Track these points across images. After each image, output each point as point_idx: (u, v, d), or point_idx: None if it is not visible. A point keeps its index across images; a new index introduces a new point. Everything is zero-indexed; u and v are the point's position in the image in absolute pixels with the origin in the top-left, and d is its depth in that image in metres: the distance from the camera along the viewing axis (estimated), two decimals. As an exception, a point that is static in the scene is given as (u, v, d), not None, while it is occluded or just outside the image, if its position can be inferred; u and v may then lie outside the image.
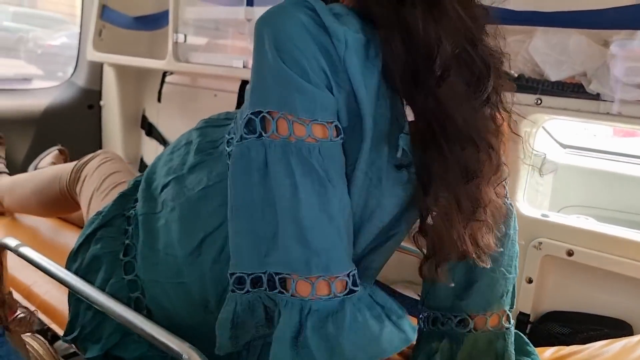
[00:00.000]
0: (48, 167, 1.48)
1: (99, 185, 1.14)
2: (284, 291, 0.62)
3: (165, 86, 1.95)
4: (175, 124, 2.03)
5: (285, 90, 0.62)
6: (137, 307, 0.79)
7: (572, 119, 1.13)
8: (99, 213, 0.92)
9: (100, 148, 2.21)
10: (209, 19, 1.73)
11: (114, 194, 0.98)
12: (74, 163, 1.25)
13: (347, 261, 0.65)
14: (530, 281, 1.16)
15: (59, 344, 1.03)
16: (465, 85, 0.68)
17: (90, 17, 1.94)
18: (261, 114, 0.63)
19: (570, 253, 1.11)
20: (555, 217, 1.17)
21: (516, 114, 0.82)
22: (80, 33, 2.09)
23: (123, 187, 0.98)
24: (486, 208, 0.74)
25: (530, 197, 1.22)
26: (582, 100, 1.06)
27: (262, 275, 0.63)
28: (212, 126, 0.85)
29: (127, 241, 0.84)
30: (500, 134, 0.76)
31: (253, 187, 0.63)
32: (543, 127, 1.29)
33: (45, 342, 0.92)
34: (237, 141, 0.65)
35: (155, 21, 1.86)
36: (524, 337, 0.87)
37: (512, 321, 0.85)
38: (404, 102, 0.68)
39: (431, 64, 0.64)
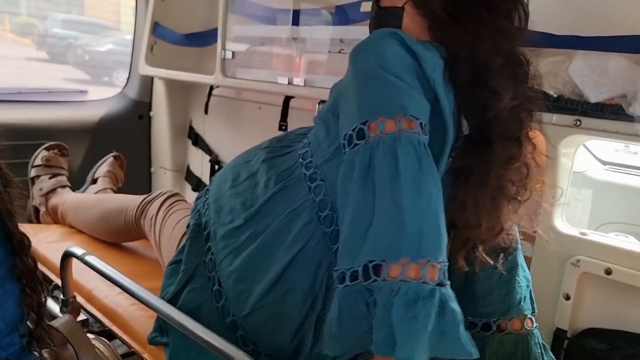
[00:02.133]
0: (113, 196, 1.56)
1: (164, 225, 1.21)
2: (377, 279, 0.63)
3: (211, 99, 2.03)
4: (220, 134, 2.11)
5: (393, 95, 0.71)
6: (244, 344, 0.84)
7: (611, 140, 1.14)
8: (177, 262, 0.96)
9: (150, 156, 2.32)
10: (257, 36, 1.80)
11: (180, 230, 1.06)
12: (139, 199, 1.34)
13: (442, 250, 0.65)
14: (567, 298, 1.18)
15: (117, 344, 1.11)
16: (513, 93, 0.79)
17: (142, 34, 2.04)
18: (368, 122, 0.70)
19: (608, 271, 1.12)
20: (594, 236, 1.18)
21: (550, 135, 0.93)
22: (133, 48, 2.20)
23: (185, 222, 1.05)
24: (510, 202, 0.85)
25: (568, 214, 1.24)
26: (621, 122, 1.07)
27: (359, 268, 0.64)
28: (277, 156, 0.91)
29: (214, 288, 0.88)
30: (535, 150, 0.86)
31: (357, 188, 0.68)
32: (583, 145, 1.30)
33: (110, 344, 1.00)
34: (349, 149, 0.71)
35: (203, 38, 1.95)
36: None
37: (536, 324, 0.95)
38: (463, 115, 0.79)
39: (485, 78, 0.77)
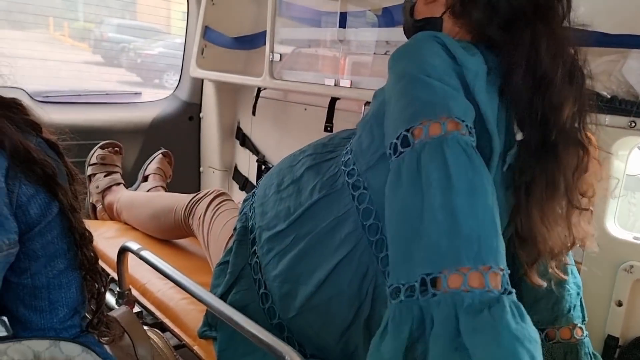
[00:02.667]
0: (163, 195, 1.62)
1: (211, 225, 1.24)
2: (437, 292, 0.57)
3: (259, 100, 2.07)
4: (267, 135, 2.15)
5: (437, 98, 0.68)
6: (290, 345, 0.81)
7: (668, 142, 1.10)
8: (225, 264, 0.98)
9: (199, 156, 2.39)
10: (303, 39, 1.82)
11: (227, 231, 1.07)
12: (188, 198, 1.38)
13: (501, 254, 0.60)
14: (620, 304, 1.15)
15: (169, 336, 1.15)
16: (573, 101, 0.78)
17: (193, 37, 2.10)
18: (412, 128, 0.67)
19: (663, 278, 1.09)
20: (648, 241, 1.14)
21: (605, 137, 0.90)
22: (184, 51, 2.27)
23: (232, 223, 1.07)
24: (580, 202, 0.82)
25: (621, 218, 1.20)
26: (679, 124, 1.04)
27: (415, 283, 0.59)
28: (322, 162, 0.90)
29: (261, 290, 0.89)
30: (588, 152, 0.82)
31: (405, 195, 0.65)
32: (637, 147, 1.26)
33: (163, 335, 1.04)
34: (395, 157, 0.69)
35: (252, 41, 1.99)
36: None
37: (586, 332, 0.91)
38: (515, 123, 0.77)
39: (546, 90, 0.74)
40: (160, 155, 1.95)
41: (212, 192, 1.37)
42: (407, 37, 0.89)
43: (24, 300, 0.71)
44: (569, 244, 0.83)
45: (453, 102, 0.68)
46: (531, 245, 0.79)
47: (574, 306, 0.95)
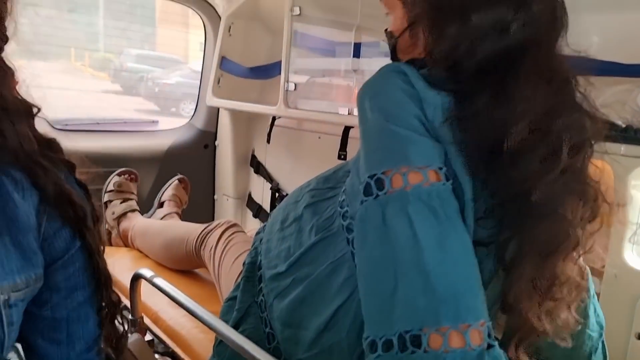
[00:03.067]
0: (176, 224, 1.64)
1: (222, 258, 1.24)
2: (416, 350, 0.57)
3: (273, 128, 2.09)
4: (281, 163, 2.16)
5: (396, 146, 0.65)
6: None
7: (685, 172, 1.09)
8: (232, 300, 0.97)
9: (214, 184, 2.41)
10: (318, 69, 1.85)
11: (237, 267, 1.07)
12: (200, 229, 1.39)
13: (480, 309, 0.60)
14: (639, 337, 1.12)
15: (179, 365, 1.14)
16: (539, 162, 0.66)
17: (210, 68, 2.14)
18: (375, 176, 0.65)
19: (685, 311, 1.06)
20: (669, 272, 1.12)
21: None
22: (201, 81, 2.31)
23: (243, 258, 1.04)
24: (563, 285, 0.72)
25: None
26: (696, 153, 1.03)
27: (393, 337, 0.59)
28: (321, 200, 0.88)
29: (267, 330, 0.88)
30: (597, 189, 0.74)
31: (373, 247, 0.64)
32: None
33: (173, 364, 1.04)
34: (360, 205, 0.67)
35: (267, 71, 2.02)
36: None
37: None
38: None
39: (501, 147, 0.65)
40: (177, 181, 1.98)
41: (224, 224, 1.37)
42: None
43: (42, 332, 0.71)
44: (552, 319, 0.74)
45: (414, 149, 0.64)
46: (517, 318, 0.71)
47: (595, 349, 0.89)
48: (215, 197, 2.43)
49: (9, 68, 0.66)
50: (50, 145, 0.71)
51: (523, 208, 0.66)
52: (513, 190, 0.66)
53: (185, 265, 1.51)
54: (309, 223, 0.86)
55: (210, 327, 0.93)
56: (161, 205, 1.92)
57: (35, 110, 0.69)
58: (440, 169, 0.65)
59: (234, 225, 1.38)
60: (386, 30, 0.85)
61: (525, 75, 0.67)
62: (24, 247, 0.65)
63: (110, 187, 1.82)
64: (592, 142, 0.73)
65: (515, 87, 0.67)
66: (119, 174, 1.85)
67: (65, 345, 0.72)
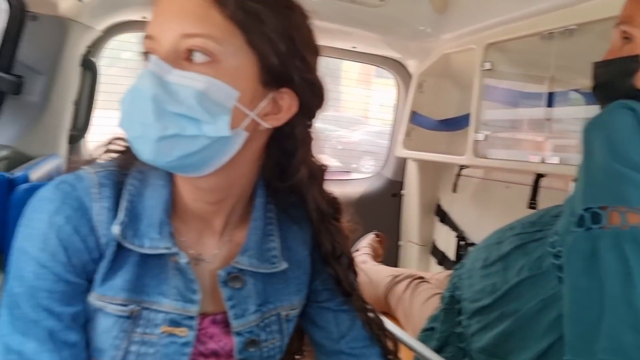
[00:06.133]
0: (368, 270, 1.76)
1: (412, 301, 1.31)
2: None
3: (460, 178, 2.16)
4: (468, 212, 2.20)
5: (618, 186, 0.66)
6: None
7: None
8: (429, 330, 1.01)
9: (399, 230, 2.53)
10: (507, 119, 1.90)
11: (427, 307, 1.12)
12: (387, 279, 1.49)
13: None
14: None
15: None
16: None
17: (401, 122, 2.32)
18: (592, 210, 0.67)
19: None
20: None
21: None
22: (392, 135, 2.51)
23: (434, 299, 1.11)
24: None
25: None
26: None
27: None
28: (529, 242, 0.90)
29: (465, 359, 0.91)
30: None
31: (580, 276, 0.66)
32: None
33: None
34: (572, 236, 0.69)
35: (456, 123, 2.12)
36: None
37: None
38: None
39: None
40: (373, 234, 2.10)
41: (411, 275, 1.45)
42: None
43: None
44: None
45: (633, 190, 0.65)
46: None
47: None
48: (401, 242, 2.54)
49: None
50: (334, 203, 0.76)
51: None
52: None
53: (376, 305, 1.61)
54: (519, 262, 0.89)
55: (416, 352, 0.98)
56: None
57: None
58: None
59: (421, 277, 1.45)
60: (616, 58, 0.83)
61: None
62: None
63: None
64: None
65: None
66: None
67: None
